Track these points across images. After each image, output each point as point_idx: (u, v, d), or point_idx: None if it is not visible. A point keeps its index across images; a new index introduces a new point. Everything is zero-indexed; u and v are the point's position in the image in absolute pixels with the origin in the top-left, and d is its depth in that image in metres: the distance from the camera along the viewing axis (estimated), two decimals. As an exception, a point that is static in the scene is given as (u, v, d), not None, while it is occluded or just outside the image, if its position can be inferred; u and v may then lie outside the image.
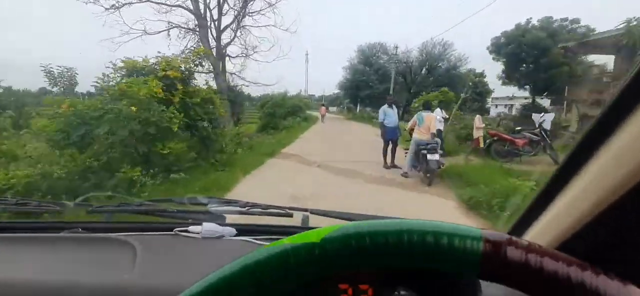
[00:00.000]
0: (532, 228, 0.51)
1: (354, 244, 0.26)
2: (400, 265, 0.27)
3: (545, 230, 0.47)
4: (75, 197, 1.12)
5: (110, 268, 0.66)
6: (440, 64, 26.93)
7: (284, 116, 19.60)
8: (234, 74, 12.69)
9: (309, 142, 11.52)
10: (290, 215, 0.95)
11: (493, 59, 18.33)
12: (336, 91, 64.82)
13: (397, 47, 23.54)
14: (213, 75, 10.94)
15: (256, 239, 0.80)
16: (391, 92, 22.25)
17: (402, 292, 0.41)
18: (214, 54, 11.37)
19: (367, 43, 29.29)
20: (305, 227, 0.91)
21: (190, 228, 0.82)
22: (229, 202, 1.01)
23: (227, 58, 12.86)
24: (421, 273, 0.38)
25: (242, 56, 12.81)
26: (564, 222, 0.42)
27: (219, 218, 0.88)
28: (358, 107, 41.99)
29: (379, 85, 27.54)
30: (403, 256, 0.27)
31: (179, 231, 0.81)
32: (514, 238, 0.26)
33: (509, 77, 18.01)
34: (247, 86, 12.80)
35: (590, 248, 0.40)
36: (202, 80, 8.18)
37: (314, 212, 0.96)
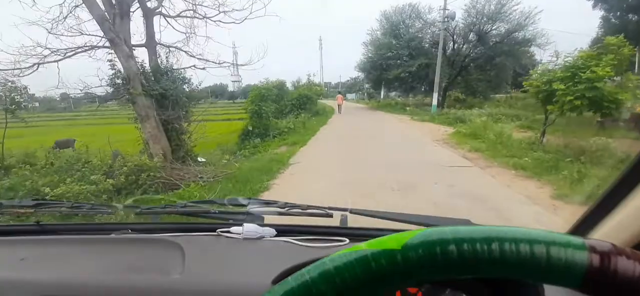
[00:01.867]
0: (600, 228, 0.48)
1: (438, 252, 0.24)
2: (488, 275, 0.24)
3: (615, 230, 0.45)
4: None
5: (161, 268, 0.67)
6: (494, 27, 19.89)
7: (280, 113, 13.81)
8: (173, 46, 6.93)
9: (313, 172, 5.49)
10: (330, 215, 0.94)
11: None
12: (354, 76, 58.49)
13: (445, 6, 16.29)
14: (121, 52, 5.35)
15: (296, 239, 0.80)
16: (437, 72, 15.65)
17: (451, 294, 0.41)
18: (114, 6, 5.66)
19: (394, 7, 22.57)
20: (344, 227, 0.91)
21: (232, 229, 0.83)
22: (269, 203, 1.01)
23: (158, 18, 7.09)
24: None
25: (190, 14, 7.08)
26: (636, 224, 0.40)
27: (258, 219, 0.90)
28: (382, 93, 35.44)
29: (411, 62, 20.99)
30: (493, 267, 0.24)
31: (221, 232, 0.83)
32: (622, 247, 0.23)
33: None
34: (201, 69, 7.05)
35: None
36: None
37: (353, 212, 0.94)
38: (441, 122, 12.80)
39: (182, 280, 0.62)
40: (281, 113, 15.84)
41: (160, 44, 6.96)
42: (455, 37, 21.66)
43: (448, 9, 15.16)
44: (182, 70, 6.77)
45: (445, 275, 0.24)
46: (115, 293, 0.60)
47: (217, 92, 51.19)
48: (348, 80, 60.89)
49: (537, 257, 0.23)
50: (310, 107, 18.37)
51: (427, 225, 0.82)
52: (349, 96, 56.04)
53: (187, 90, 6.75)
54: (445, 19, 15.14)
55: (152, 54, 6.74)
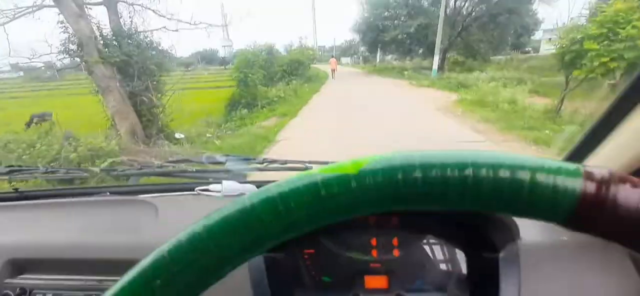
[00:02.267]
0: (593, 156, 0.47)
1: (400, 178, 0.20)
2: (458, 207, 0.21)
3: (612, 156, 0.44)
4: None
5: (135, 228, 0.69)
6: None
7: (270, 80, 12.85)
8: (138, 4, 5.91)
9: (303, 152, 4.73)
10: (310, 169, 0.88)
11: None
12: (349, 38, 55.83)
13: None
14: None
15: None
16: (439, 32, 14.51)
17: (431, 240, 0.39)
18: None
19: (392, -39, 20.67)
20: None
21: (211, 187, 0.82)
22: (247, 159, 0.99)
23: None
24: (448, 221, 0.35)
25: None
26: (632, 150, 0.39)
27: (238, 176, 0.88)
28: (378, 56, 33.92)
29: (410, 22, 19.64)
30: (465, 197, 0.20)
31: (200, 190, 0.82)
32: (627, 175, 0.19)
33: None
34: (173, 31, 6.10)
35: None
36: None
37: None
38: (442, 87, 11.99)
39: (155, 237, 0.59)
40: (271, 80, 14.83)
41: (123, 2, 5.92)
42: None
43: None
44: (149, 32, 5.80)
45: (407, 206, 0.21)
46: (84, 253, 0.62)
47: (208, 58, 48.89)
48: (343, 44, 58.48)
49: (519, 185, 0.19)
50: (302, 72, 17.28)
51: None
52: (344, 60, 53.98)
53: (157, 55, 5.82)
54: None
55: (113, 13, 5.72)
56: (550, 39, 39.70)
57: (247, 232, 0.21)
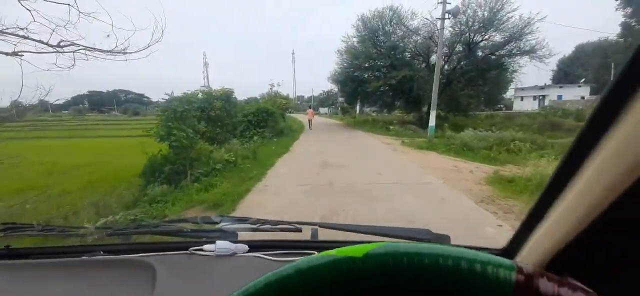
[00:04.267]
0: (524, 248, 0.50)
1: (391, 262, 0.28)
2: (433, 286, 0.28)
3: (534, 248, 0.46)
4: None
5: (132, 289, 0.67)
6: (487, 37, 17.38)
7: (227, 135, 9.82)
8: None
9: None
10: (300, 230, 0.96)
11: None
12: (327, 88, 55.18)
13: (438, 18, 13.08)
14: None
15: (267, 255, 0.83)
16: (436, 84, 12.49)
17: None
18: None
19: (373, 11, 19.45)
20: (315, 241, 0.96)
21: (205, 247, 0.85)
22: (240, 220, 1.01)
23: None
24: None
25: None
26: (551, 240, 0.41)
27: (231, 236, 0.91)
28: (358, 107, 32.29)
29: (394, 73, 17.88)
30: (436, 279, 0.28)
31: (194, 250, 0.84)
32: (545, 272, 0.28)
33: None
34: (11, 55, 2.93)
35: (575, 266, 0.39)
36: None
37: (322, 226, 0.98)
38: (446, 150, 9.40)
39: None
40: (233, 133, 11.76)
41: None
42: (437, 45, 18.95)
43: (448, 2, 11.91)
44: None
45: (395, 284, 0.28)
46: None
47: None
48: (320, 94, 57.83)
49: (473, 273, 0.27)
50: (273, 124, 14.44)
51: (394, 237, 0.87)
52: (322, 110, 52.67)
53: None
54: (446, 15, 11.98)
55: None
56: (521, 97, 40.87)
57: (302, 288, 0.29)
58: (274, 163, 7.53)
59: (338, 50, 21.55)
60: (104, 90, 79.50)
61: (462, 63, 18.57)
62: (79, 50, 4.09)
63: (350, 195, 4.63)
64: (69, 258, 0.85)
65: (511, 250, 0.54)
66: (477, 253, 0.28)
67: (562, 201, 0.40)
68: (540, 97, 39.61)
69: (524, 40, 16.24)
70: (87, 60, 4.22)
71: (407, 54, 19.77)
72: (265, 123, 13.98)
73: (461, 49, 18.58)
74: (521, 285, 0.26)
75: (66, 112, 48.54)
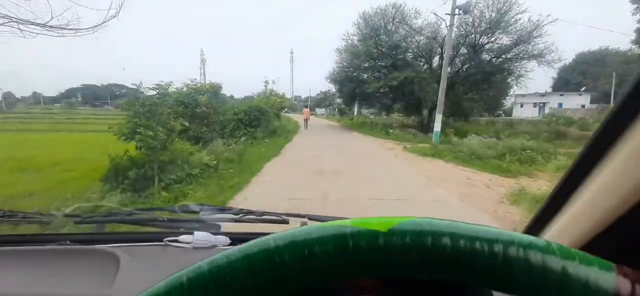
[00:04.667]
0: (550, 229, 0.48)
1: (428, 242, 0.21)
2: (482, 282, 0.21)
3: (564, 231, 0.44)
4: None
5: (92, 281, 0.65)
6: (493, 39, 16.62)
7: (213, 134, 8.92)
8: None
9: None
10: (287, 222, 0.91)
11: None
12: (324, 89, 54.15)
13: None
14: None
15: None
16: (443, 85, 11.70)
17: None
18: None
19: (375, 8, 18.59)
20: None
21: (181, 238, 0.79)
22: (223, 210, 0.97)
23: None
24: (444, 288, 0.35)
25: None
26: (586, 222, 0.40)
27: (212, 227, 0.85)
28: (356, 108, 31.39)
29: (395, 74, 17.05)
30: (494, 274, 0.21)
31: (168, 241, 0.78)
32: None
33: None
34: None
35: (615, 249, 0.37)
36: None
37: (312, 218, 0.91)
38: (453, 158, 8.57)
39: (109, 293, 0.59)
40: (222, 133, 10.85)
41: None
42: (445, 48, 18.17)
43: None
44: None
45: (431, 272, 0.22)
46: None
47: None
48: (318, 94, 56.97)
49: (549, 271, 0.19)
50: (266, 124, 13.54)
51: None
52: (319, 111, 51.73)
53: None
54: (456, 11, 11.15)
55: None
56: (521, 104, 40.33)
57: (268, 271, 0.21)
58: (261, 169, 6.62)
59: (337, 49, 20.69)
60: (99, 84, 78.00)
61: (466, 66, 17.78)
62: (7, 23, 3.21)
63: (348, 216, 3.77)
64: (30, 247, 0.79)
65: (533, 233, 0.50)
66: (556, 245, 0.20)
67: (595, 180, 0.37)
68: (541, 105, 39.13)
69: (532, 43, 15.47)
70: (25, 38, 3.38)
71: (409, 54, 18.97)
72: (258, 123, 13.09)
73: (465, 51, 17.81)
74: (622, 292, 0.19)
75: (58, 105, 47.37)
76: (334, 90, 32.34)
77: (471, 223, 0.22)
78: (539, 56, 15.71)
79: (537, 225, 0.51)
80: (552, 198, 0.47)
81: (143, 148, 4.92)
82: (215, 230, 0.83)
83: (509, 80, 18.73)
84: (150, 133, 4.71)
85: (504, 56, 16.75)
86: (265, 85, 16.17)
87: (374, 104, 23.46)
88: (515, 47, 16.14)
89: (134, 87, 5.31)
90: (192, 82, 9.23)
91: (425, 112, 19.25)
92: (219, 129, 10.72)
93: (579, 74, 46.91)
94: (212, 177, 5.76)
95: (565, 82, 46.98)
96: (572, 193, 0.42)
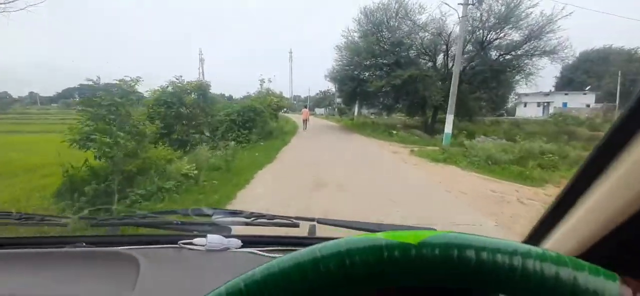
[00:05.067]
0: (550, 237, 0.49)
1: (455, 255, 0.23)
2: (503, 292, 0.23)
3: (563, 239, 0.46)
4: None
5: (112, 283, 0.65)
6: (502, 34, 15.72)
7: (210, 135, 8.04)
8: None
9: None
10: (297, 225, 0.92)
11: None
12: (324, 88, 52.94)
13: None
14: None
15: (262, 251, 0.79)
16: (454, 81, 10.81)
17: None
18: None
19: (377, 3, 17.60)
20: (312, 237, 0.92)
21: (195, 240, 0.80)
22: (234, 213, 0.98)
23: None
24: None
25: None
26: (584, 231, 0.41)
27: (224, 230, 0.87)
28: (356, 108, 30.46)
29: (399, 72, 16.14)
30: (510, 283, 0.23)
31: (183, 244, 0.80)
32: None
33: None
34: None
35: (611, 257, 0.39)
36: None
37: (321, 222, 0.94)
38: (468, 164, 7.66)
39: (135, 292, 0.59)
40: (213, 136, 9.94)
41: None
42: (449, 42, 17.28)
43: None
44: None
45: (456, 282, 0.24)
46: None
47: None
48: (317, 94, 56.01)
49: (561, 282, 0.21)
50: (262, 125, 12.62)
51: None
52: (318, 111, 50.71)
53: None
54: (469, 0, 10.22)
55: None
56: (525, 104, 39.41)
57: (315, 278, 0.23)
58: (251, 179, 5.69)
59: (337, 46, 19.74)
60: (96, 83, 76.71)
61: (473, 63, 16.87)
62: None
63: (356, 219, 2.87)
64: (49, 249, 0.80)
65: (534, 241, 0.52)
66: (567, 257, 0.22)
67: (597, 189, 0.38)
68: (545, 104, 38.21)
69: (544, 39, 14.56)
70: None
71: (412, 51, 18.05)
72: (252, 124, 12.17)
73: (472, 48, 16.90)
74: None
75: (55, 105, 46.41)
76: (333, 89, 31.42)
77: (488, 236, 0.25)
78: (551, 53, 14.82)
79: (538, 234, 0.51)
80: (555, 206, 0.48)
81: (101, 157, 3.99)
82: (227, 233, 0.83)
83: (518, 78, 17.92)
84: (108, 139, 3.78)
85: (513, 53, 15.87)
86: (260, 84, 15.20)
87: (375, 104, 22.53)
88: (525, 43, 15.25)
89: (90, 82, 4.38)
90: (177, 79, 8.32)
91: (429, 112, 18.36)
92: (210, 131, 9.81)
93: (583, 73, 46.03)
94: (192, 191, 4.85)
95: (568, 81, 46.04)
96: (575, 201, 0.42)
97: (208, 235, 0.79)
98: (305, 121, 19.64)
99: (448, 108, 9.58)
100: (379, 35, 17.55)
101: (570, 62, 17.00)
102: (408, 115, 21.38)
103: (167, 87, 8.33)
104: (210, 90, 9.36)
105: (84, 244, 0.82)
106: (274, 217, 0.93)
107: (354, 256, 0.23)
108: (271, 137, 12.82)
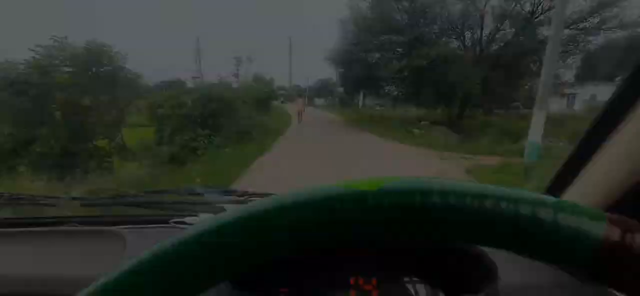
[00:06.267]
0: (571, 189, 0.47)
1: (417, 201, 0.20)
2: (475, 241, 0.21)
3: (586, 191, 0.44)
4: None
5: (100, 261, 0.65)
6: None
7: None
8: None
9: None
10: None
11: None
12: (323, 77, 48.36)
13: None
14: None
15: None
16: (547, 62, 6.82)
17: (410, 280, 0.40)
18: None
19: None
20: None
21: (186, 219, 0.79)
22: (227, 191, 0.98)
23: None
24: (427, 260, 0.35)
25: None
26: (610, 181, 0.39)
27: (216, 209, 0.86)
28: (361, 99, 26.51)
29: (424, 49, 12.22)
30: (481, 229, 0.20)
31: (175, 222, 0.79)
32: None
33: None
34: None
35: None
36: None
37: None
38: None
39: None
40: (160, 142, 6.15)
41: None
42: (485, 19, 13.36)
43: None
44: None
45: (420, 233, 0.21)
46: (41, 287, 0.60)
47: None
48: (316, 83, 51.88)
49: (539, 223, 0.19)
50: (236, 123, 8.82)
51: None
52: (318, 101, 46.54)
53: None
54: None
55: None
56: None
57: (257, 233, 0.21)
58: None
59: (341, 20, 15.71)
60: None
61: (520, 38, 12.93)
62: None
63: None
64: (39, 228, 0.79)
65: (553, 194, 0.47)
66: (544, 196, 0.20)
67: (616, 143, 0.36)
68: (571, 96, 34.32)
69: (620, 6, 10.66)
70: None
71: (434, 27, 14.14)
72: (219, 121, 8.35)
73: (510, 23, 13.00)
74: (612, 243, 0.18)
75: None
76: (334, 79, 27.39)
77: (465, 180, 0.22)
78: (632, 26, 10.94)
79: (556, 187, 0.49)
80: (571, 157, 0.46)
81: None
82: (220, 212, 0.70)
83: (570, 61, 14.11)
84: None
85: (574, 26, 11.97)
86: (236, 65, 11.34)
87: (382, 94, 18.63)
88: (594, 14, 11.34)
89: None
90: (56, 43, 4.46)
91: (455, 104, 14.56)
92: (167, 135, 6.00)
93: (607, 62, 42.00)
94: None
95: (591, 70, 42.03)
96: (593, 152, 0.40)
97: (200, 214, 0.78)
98: (299, 114, 16.16)
99: (537, 99, 5.70)
100: (393, 6, 13.59)
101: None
102: (429, 108, 17.26)
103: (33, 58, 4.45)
104: (124, 68, 5.44)
105: (76, 224, 0.81)
106: (267, 195, 0.79)
107: (302, 211, 0.21)
108: (248, 138, 8.99)
